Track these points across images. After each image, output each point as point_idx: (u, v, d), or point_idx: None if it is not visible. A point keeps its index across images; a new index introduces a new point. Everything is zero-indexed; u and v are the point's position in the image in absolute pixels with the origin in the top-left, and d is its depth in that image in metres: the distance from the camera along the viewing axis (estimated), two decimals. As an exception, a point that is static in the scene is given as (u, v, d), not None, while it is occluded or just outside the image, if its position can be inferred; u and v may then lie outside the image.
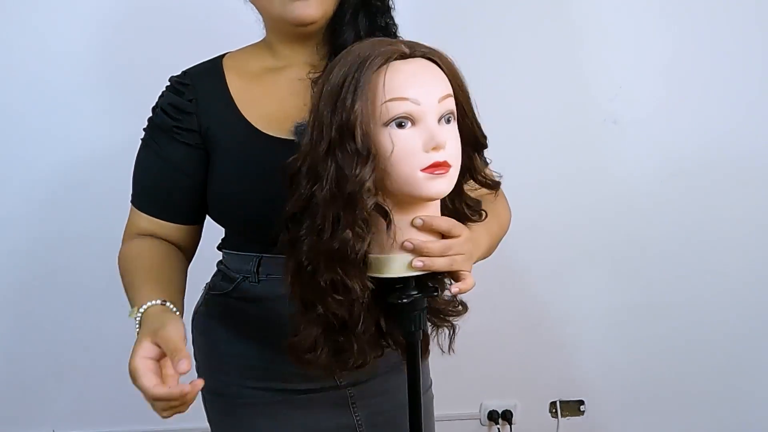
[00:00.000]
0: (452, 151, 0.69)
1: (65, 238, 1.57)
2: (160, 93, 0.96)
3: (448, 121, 0.70)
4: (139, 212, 0.95)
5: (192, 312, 1.05)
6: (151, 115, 0.96)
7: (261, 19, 0.94)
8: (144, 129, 0.96)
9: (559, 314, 1.73)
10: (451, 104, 0.70)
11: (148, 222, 0.95)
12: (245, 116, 0.91)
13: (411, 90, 0.67)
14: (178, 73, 0.97)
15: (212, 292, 1.02)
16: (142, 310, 0.78)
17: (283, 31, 0.92)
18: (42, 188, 1.55)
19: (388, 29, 0.92)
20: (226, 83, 0.94)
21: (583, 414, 1.82)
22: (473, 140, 0.75)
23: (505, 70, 1.48)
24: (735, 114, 1.60)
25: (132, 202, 0.97)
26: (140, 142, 0.96)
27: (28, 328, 1.63)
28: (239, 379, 0.98)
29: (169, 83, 0.96)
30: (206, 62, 0.98)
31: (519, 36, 1.53)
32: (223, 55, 0.98)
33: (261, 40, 0.98)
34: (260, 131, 0.90)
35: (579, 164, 1.60)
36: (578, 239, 1.66)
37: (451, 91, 0.70)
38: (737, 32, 1.56)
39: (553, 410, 1.82)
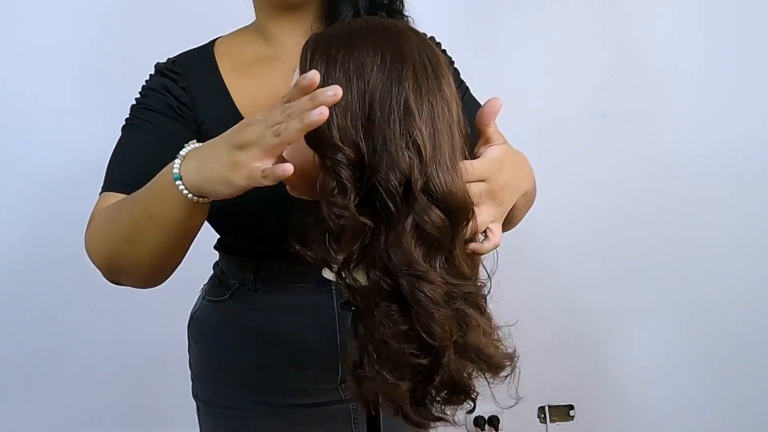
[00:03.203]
0: (285, 151, 0.65)
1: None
2: (145, 80, 0.86)
3: None
4: (117, 195, 0.77)
5: (188, 317, 1.01)
6: (135, 102, 0.85)
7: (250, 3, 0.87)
8: (127, 117, 0.84)
9: (547, 316, 1.69)
10: None
11: None
12: (243, 114, 0.82)
13: None
14: (164, 60, 0.87)
15: (208, 298, 0.97)
16: (179, 158, 0.62)
17: (270, 5, 0.84)
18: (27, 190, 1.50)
19: (393, 6, 0.83)
20: (219, 73, 0.85)
21: (572, 419, 1.79)
22: None
23: (490, 63, 1.44)
24: (728, 108, 1.57)
25: (104, 188, 0.80)
26: (122, 130, 0.84)
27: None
28: (235, 390, 0.93)
29: (156, 69, 0.86)
30: (195, 50, 0.89)
31: (505, 28, 1.49)
32: (213, 42, 0.89)
33: (252, 23, 0.90)
34: None
35: (566, 159, 1.56)
36: (564, 237, 1.63)
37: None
38: (729, 26, 1.53)
39: (542, 415, 1.78)
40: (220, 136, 0.61)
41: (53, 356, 1.58)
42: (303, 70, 0.61)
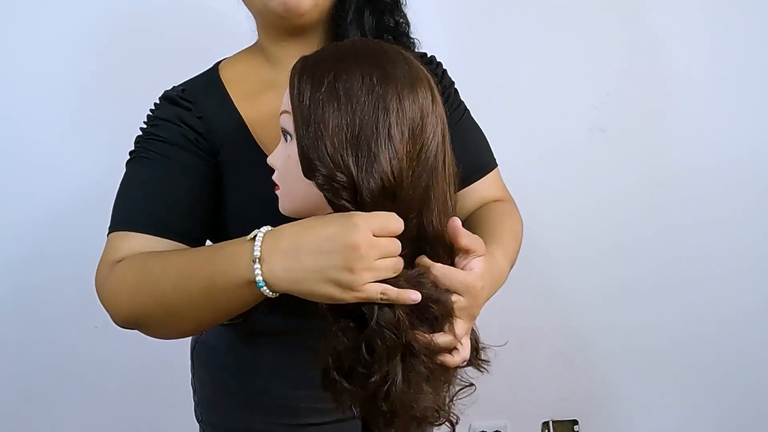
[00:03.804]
0: (278, 172, 0.68)
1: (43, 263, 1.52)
2: (151, 109, 0.82)
3: (286, 139, 0.67)
4: (131, 235, 0.73)
5: (191, 341, 0.99)
6: (142, 133, 0.80)
7: (252, 22, 0.85)
8: (135, 149, 0.80)
9: (550, 329, 1.68)
10: (282, 121, 0.66)
11: (146, 244, 0.72)
12: (260, 145, 0.79)
13: None
14: (169, 88, 0.83)
15: None
16: (258, 243, 0.60)
17: (272, 26, 0.80)
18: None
19: (399, 28, 0.83)
20: (232, 102, 0.81)
21: (577, 434, 1.77)
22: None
23: (487, 75, 1.45)
24: (729, 122, 1.56)
25: (116, 227, 0.75)
26: (130, 163, 0.79)
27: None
28: (247, 414, 0.91)
29: (165, 98, 0.82)
30: (200, 76, 0.85)
31: (502, 41, 1.50)
32: (216, 67, 0.86)
33: (254, 44, 0.87)
34: None
35: (564, 173, 1.56)
36: (565, 251, 1.63)
37: (286, 108, 0.65)
38: (732, 39, 1.52)
39: (546, 430, 1.76)
40: (307, 239, 0.59)
41: (56, 374, 1.58)
42: (291, 93, 0.63)
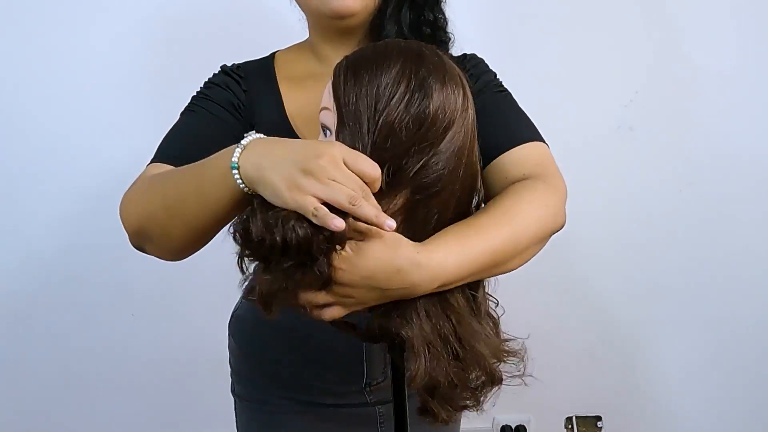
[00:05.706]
0: None
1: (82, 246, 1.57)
2: (209, 77, 0.92)
3: (326, 134, 0.69)
4: (161, 165, 0.80)
5: (230, 315, 1.05)
6: (196, 94, 0.90)
7: (304, 18, 0.93)
8: (187, 105, 0.89)
9: (576, 325, 1.69)
10: (323, 117, 0.69)
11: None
12: (292, 124, 0.87)
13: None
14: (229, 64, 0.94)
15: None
16: (243, 143, 0.63)
17: (323, 26, 0.89)
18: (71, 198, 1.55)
19: (437, 23, 0.88)
20: (276, 82, 0.91)
21: (600, 430, 1.77)
22: None
23: (514, 73, 1.45)
24: (759, 120, 1.54)
25: (152, 160, 0.82)
26: (180, 115, 0.88)
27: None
28: (266, 386, 0.97)
29: (221, 69, 0.93)
30: (257, 60, 0.96)
31: (529, 38, 1.50)
32: (273, 54, 0.97)
33: (306, 40, 0.96)
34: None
35: (592, 173, 1.56)
36: (591, 249, 1.62)
37: (327, 105, 0.68)
38: (762, 36, 1.51)
39: (569, 426, 1.77)
40: (290, 142, 0.62)
41: (94, 359, 1.63)
42: (335, 93, 0.67)
